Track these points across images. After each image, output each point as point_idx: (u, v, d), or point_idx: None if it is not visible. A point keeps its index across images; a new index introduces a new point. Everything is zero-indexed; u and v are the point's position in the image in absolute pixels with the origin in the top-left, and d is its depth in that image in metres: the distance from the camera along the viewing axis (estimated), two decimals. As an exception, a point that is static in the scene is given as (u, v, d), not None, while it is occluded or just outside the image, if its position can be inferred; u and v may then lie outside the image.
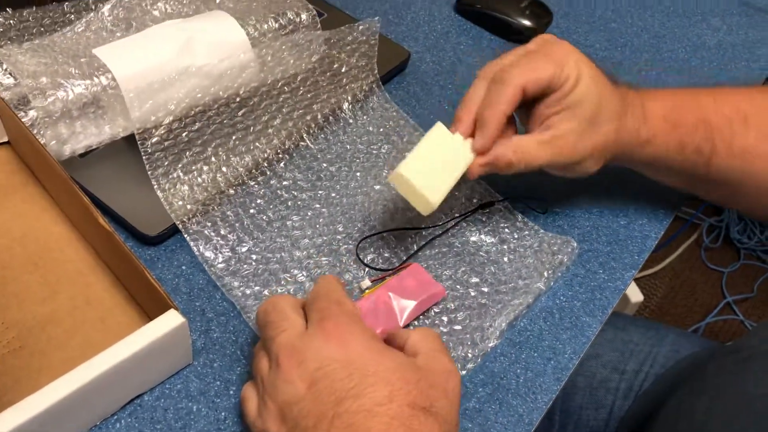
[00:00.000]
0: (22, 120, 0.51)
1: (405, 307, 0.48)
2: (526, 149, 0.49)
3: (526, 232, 0.55)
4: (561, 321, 0.52)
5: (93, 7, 0.62)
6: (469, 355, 0.48)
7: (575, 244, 0.55)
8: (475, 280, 0.52)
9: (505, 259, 0.53)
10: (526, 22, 0.72)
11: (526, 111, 0.51)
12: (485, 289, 0.51)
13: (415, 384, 0.38)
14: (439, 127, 0.49)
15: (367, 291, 0.50)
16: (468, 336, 0.49)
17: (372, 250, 0.53)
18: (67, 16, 0.61)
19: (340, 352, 0.38)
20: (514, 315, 0.50)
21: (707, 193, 0.57)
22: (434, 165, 0.47)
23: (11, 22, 0.58)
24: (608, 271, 0.55)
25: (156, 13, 0.57)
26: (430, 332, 0.43)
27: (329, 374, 0.38)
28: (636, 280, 1.47)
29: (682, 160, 0.52)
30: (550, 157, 0.49)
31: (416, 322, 0.49)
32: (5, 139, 0.56)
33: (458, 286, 0.52)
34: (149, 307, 0.47)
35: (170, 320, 0.42)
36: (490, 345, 0.49)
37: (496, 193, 0.58)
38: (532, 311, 0.52)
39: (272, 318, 0.42)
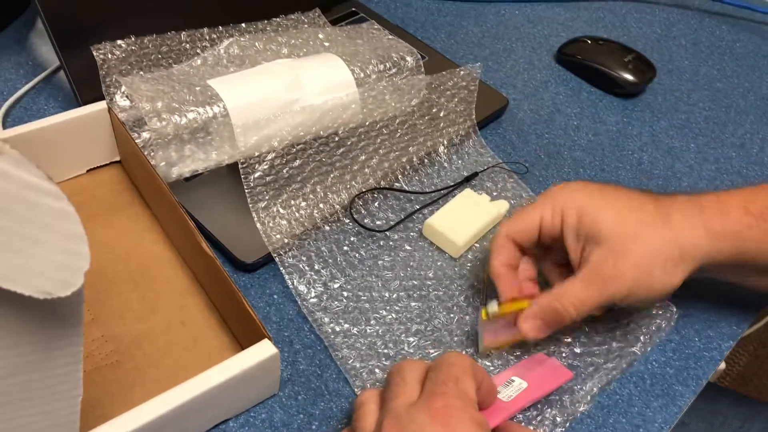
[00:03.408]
0: (136, 141, 0.53)
1: (519, 387, 0.46)
2: (571, 292, 0.46)
3: (621, 292, 0.54)
4: (652, 388, 0.50)
5: (207, 37, 0.65)
6: (558, 419, 0.46)
7: (675, 309, 0.53)
8: (567, 339, 0.51)
9: (600, 319, 0.52)
10: (629, 77, 0.71)
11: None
12: (577, 350, 0.50)
13: None
14: (467, 191, 0.59)
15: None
16: (557, 398, 0.47)
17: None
18: (183, 45, 0.64)
19: None
20: (606, 380, 0.49)
21: None
22: (459, 217, 0.56)
23: (133, 48, 0.61)
24: (704, 340, 0.53)
25: (269, 53, 0.59)
26: None
27: None
28: (717, 346, 1.41)
29: None
30: (599, 293, 0.45)
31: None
32: (117, 158, 0.58)
33: (550, 345, 0.51)
34: (241, 334, 0.47)
35: (264, 350, 0.42)
36: (580, 410, 0.47)
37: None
38: (622, 374, 0.50)
39: (393, 380, 0.41)
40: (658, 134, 0.69)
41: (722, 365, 1.24)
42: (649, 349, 0.51)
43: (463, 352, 0.50)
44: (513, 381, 0.45)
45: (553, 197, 0.48)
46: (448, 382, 0.39)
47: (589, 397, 0.48)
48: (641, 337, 0.51)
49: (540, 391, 0.45)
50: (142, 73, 0.60)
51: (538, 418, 0.46)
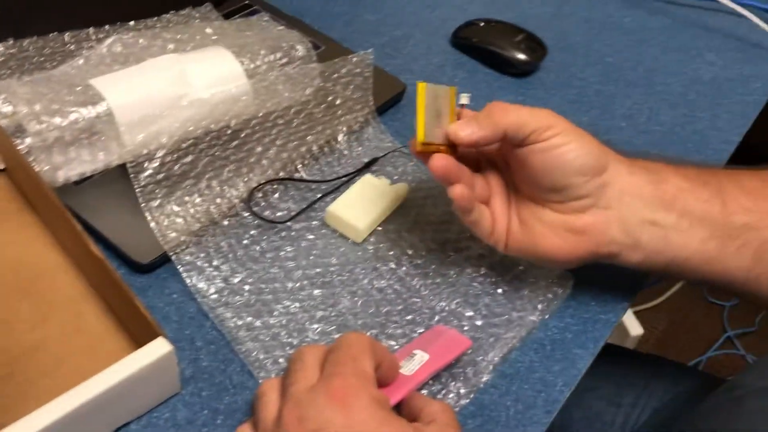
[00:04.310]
0: (19, 147, 0.51)
1: (421, 359, 0.46)
2: (509, 104, 0.47)
3: (521, 265, 0.55)
4: (552, 353, 0.51)
5: (93, 38, 0.63)
6: (462, 391, 0.47)
7: (571, 276, 0.54)
8: (469, 313, 0.52)
9: (500, 290, 0.53)
10: (521, 56, 0.73)
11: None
12: (479, 323, 0.51)
13: None
14: (367, 177, 0.59)
15: None
16: (461, 371, 0.48)
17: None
18: (68, 46, 0.62)
19: (341, 416, 0.37)
20: (507, 348, 0.50)
21: (736, 258, 0.48)
22: (360, 202, 0.57)
23: (12, 51, 0.59)
24: (600, 304, 0.55)
25: (155, 49, 0.57)
26: (449, 408, 0.42)
27: None
28: (636, 313, 1.46)
29: (705, 210, 0.47)
30: (534, 115, 0.47)
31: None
32: (1, 167, 0.56)
33: (453, 319, 0.52)
34: (138, 335, 0.47)
35: (158, 348, 0.42)
36: (483, 380, 0.48)
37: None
38: (523, 343, 0.51)
39: (292, 366, 0.41)
40: (552, 109, 0.71)
41: (640, 331, 1.29)
42: (547, 316, 0.53)
43: (368, 333, 0.50)
44: (415, 354, 0.46)
45: (550, 118, 0.48)
46: (347, 362, 0.39)
47: (491, 367, 0.49)
48: (539, 306, 0.52)
49: (441, 361, 0.46)
50: (24, 76, 0.58)
51: (443, 392, 0.47)
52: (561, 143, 0.46)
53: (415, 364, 0.45)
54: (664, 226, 0.48)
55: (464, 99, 0.50)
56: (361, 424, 0.37)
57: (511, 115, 0.46)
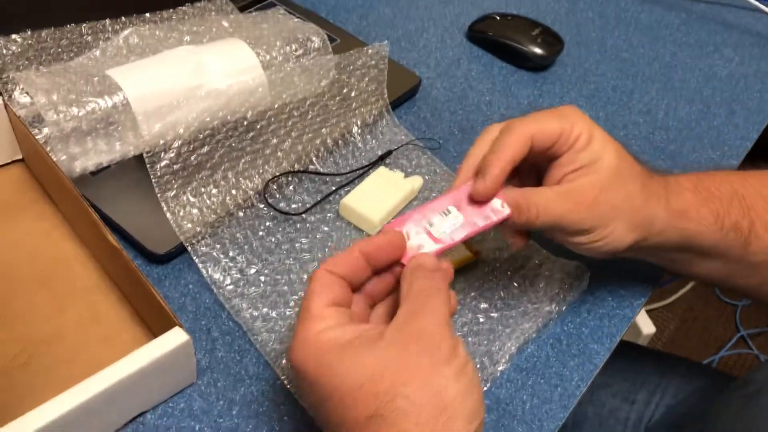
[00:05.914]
0: (36, 137, 0.51)
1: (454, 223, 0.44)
2: (540, 196, 0.44)
3: (536, 260, 0.55)
4: (569, 348, 0.51)
5: (110, 29, 0.63)
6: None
7: (586, 269, 0.54)
8: (484, 305, 0.52)
9: (515, 283, 0.53)
10: (538, 50, 0.73)
11: (538, 178, 0.48)
12: (494, 315, 0.51)
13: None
14: (381, 169, 0.59)
15: None
16: (477, 360, 0.48)
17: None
18: (84, 37, 0.62)
19: (302, 373, 0.38)
20: (523, 339, 0.50)
21: (746, 279, 0.51)
22: (374, 194, 0.57)
23: (30, 42, 0.59)
24: (617, 299, 0.55)
25: (171, 41, 0.57)
26: (418, 275, 0.40)
27: None
28: (648, 311, 1.46)
29: (718, 238, 0.47)
30: (569, 209, 0.44)
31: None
32: (19, 157, 0.57)
33: (467, 312, 0.51)
34: (155, 325, 0.47)
35: (175, 338, 0.42)
36: (500, 369, 0.48)
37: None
38: (539, 337, 0.51)
39: None
40: (569, 103, 0.71)
41: (652, 329, 1.29)
42: (563, 308, 0.53)
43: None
44: (449, 212, 0.44)
45: (571, 115, 0.46)
46: (300, 321, 0.39)
47: (507, 356, 0.49)
48: (555, 297, 0.52)
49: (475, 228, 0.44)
50: (41, 67, 0.58)
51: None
52: (603, 239, 0.45)
53: (447, 225, 0.43)
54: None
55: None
56: (304, 363, 0.38)
57: (543, 218, 0.44)
